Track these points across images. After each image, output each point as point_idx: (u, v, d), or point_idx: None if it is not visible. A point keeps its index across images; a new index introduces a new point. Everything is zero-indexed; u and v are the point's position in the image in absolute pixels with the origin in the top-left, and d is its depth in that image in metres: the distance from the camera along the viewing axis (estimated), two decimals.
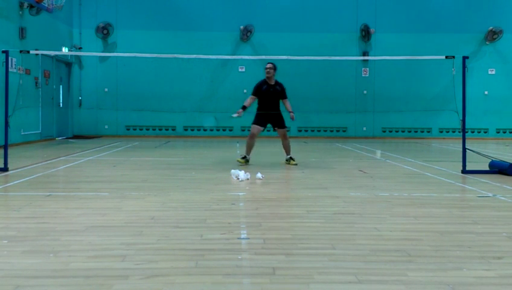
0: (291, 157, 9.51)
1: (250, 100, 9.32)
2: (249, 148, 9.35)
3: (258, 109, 9.38)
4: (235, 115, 9.18)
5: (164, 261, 3.47)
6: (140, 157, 11.09)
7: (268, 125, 9.46)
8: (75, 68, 18.93)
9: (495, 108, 19.41)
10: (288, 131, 9.73)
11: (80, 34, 18.85)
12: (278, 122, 9.37)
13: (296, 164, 9.35)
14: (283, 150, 9.64)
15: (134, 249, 3.72)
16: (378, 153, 8.56)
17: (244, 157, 9.31)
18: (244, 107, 9.20)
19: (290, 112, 9.30)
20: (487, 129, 19.62)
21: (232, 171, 7.66)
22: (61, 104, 17.86)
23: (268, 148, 14.22)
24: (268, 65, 9.28)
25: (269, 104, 9.28)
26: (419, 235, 4.24)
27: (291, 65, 18.83)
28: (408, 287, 3.00)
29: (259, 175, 7.55)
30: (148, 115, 18.61)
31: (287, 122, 9.49)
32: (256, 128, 9.33)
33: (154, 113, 18.37)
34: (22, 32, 14.17)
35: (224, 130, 19.15)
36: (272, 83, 9.30)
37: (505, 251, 3.79)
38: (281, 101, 9.47)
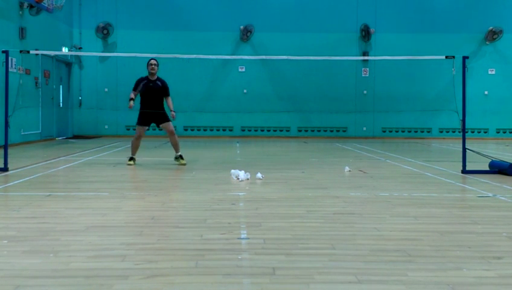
0: (180, 156, 9.22)
1: (133, 95, 9.14)
2: (135, 149, 9.23)
3: (141, 108, 9.19)
4: (130, 105, 9.05)
5: (164, 261, 3.47)
6: (140, 157, 11.09)
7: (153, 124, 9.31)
8: (75, 68, 18.93)
9: (495, 108, 19.40)
10: (175, 128, 9.37)
11: (80, 34, 18.85)
12: (161, 118, 9.17)
13: (184, 164, 9.10)
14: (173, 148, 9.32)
15: (134, 249, 3.72)
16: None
17: (131, 159, 9.20)
18: (131, 99, 9.07)
19: (171, 110, 9.15)
20: (487, 129, 19.62)
21: (232, 171, 7.65)
22: (61, 104, 17.86)
23: (268, 148, 14.22)
24: (153, 61, 9.14)
25: (150, 100, 9.09)
26: (419, 235, 4.24)
27: (291, 65, 18.85)
28: (408, 287, 3.00)
29: (259, 175, 7.54)
30: None
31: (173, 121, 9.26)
32: (141, 129, 9.18)
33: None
34: (22, 32, 14.17)
35: (224, 130, 19.16)
36: (154, 78, 9.19)
37: (505, 251, 3.79)
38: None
